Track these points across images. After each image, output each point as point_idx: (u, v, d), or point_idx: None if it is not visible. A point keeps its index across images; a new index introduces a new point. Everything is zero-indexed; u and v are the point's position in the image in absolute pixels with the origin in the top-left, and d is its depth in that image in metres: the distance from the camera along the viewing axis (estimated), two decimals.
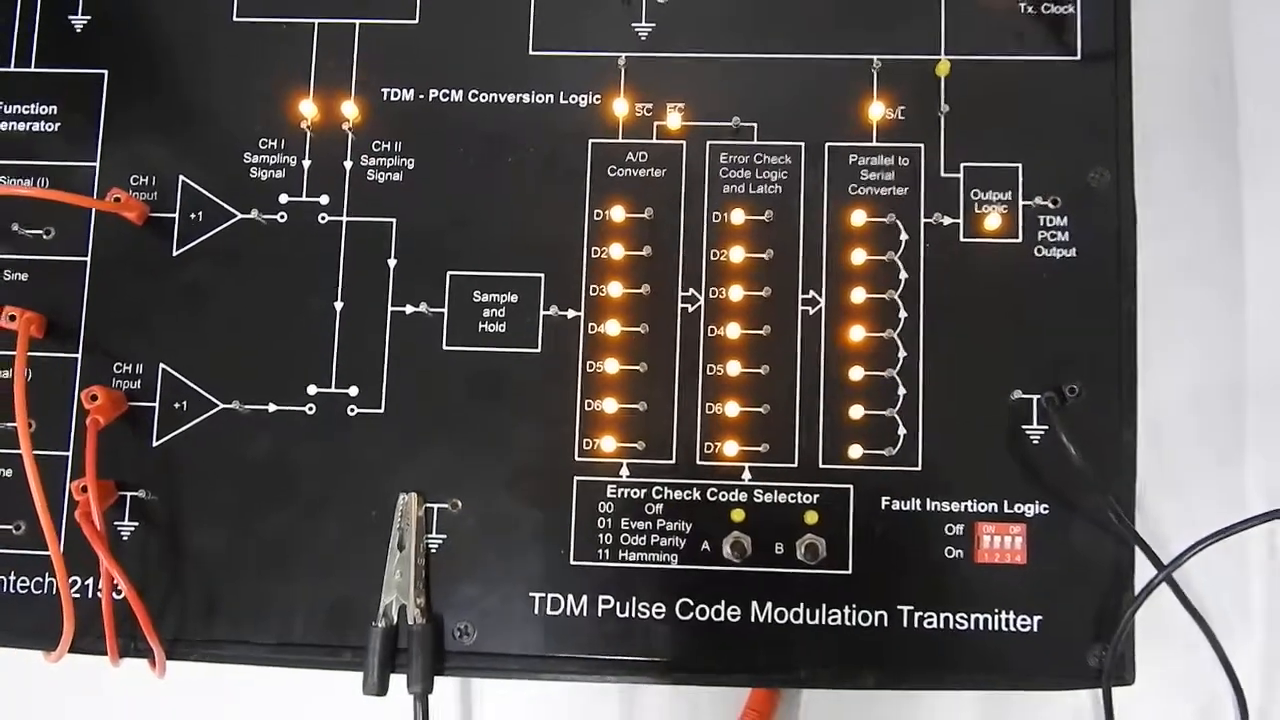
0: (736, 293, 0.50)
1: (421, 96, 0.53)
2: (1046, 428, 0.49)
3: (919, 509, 0.49)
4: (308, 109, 0.52)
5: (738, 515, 0.50)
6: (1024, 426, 0.49)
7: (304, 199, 0.52)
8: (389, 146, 0.52)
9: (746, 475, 0.50)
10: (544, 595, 0.50)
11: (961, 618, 0.49)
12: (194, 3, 0.54)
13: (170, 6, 0.54)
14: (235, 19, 0.53)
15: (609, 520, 0.50)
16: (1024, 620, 0.49)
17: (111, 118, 0.53)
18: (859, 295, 0.50)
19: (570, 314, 0.51)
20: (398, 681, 0.49)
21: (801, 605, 0.49)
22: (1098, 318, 0.49)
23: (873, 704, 0.53)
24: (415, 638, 0.49)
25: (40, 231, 0.52)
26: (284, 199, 0.52)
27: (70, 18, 0.54)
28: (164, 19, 0.54)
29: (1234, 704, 0.51)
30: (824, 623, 0.49)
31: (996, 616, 0.49)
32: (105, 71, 0.53)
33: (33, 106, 0.53)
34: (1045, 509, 0.49)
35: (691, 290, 0.51)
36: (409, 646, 0.49)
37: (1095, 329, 0.49)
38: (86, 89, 0.53)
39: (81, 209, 0.52)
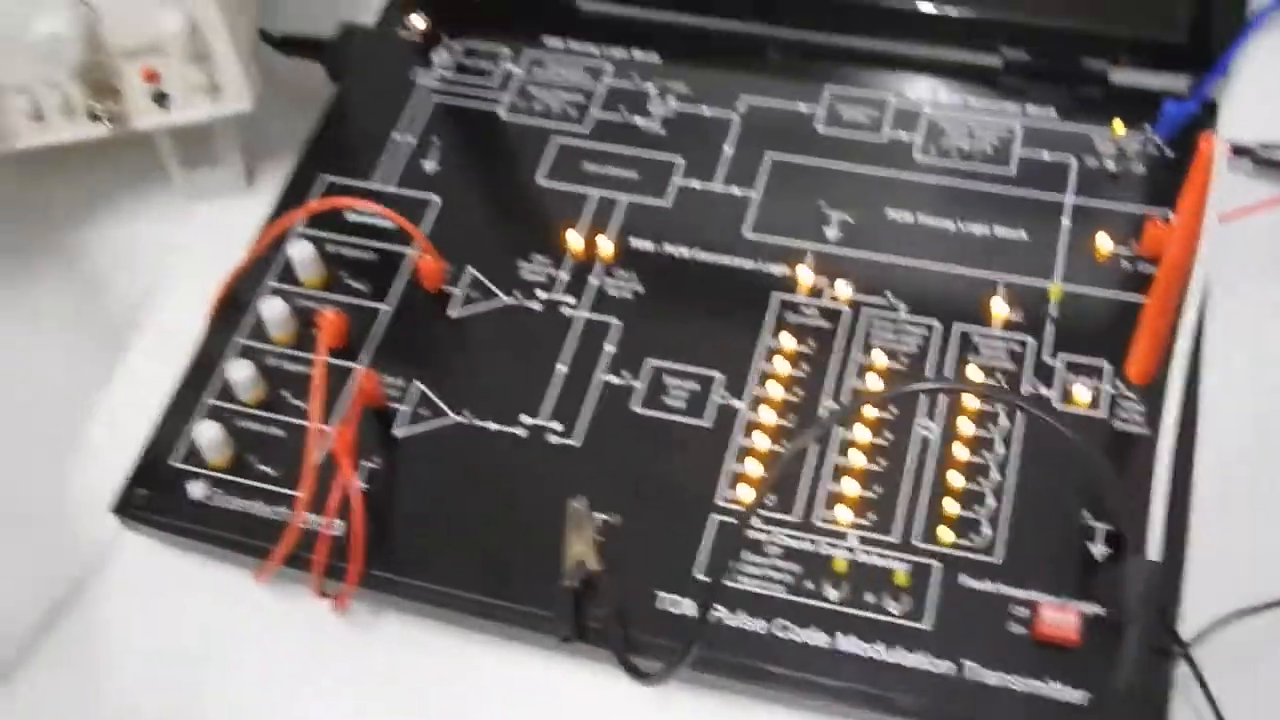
0: (870, 411, 0.64)
1: (659, 248, 0.71)
2: (1110, 549, 0.59)
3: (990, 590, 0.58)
4: (574, 240, 0.71)
5: (840, 566, 0.60)
6: (1088, 543, 0.59)
7: (557, 297, 0.70)
8: (626, 275, 0.70)
9: (854, 539, 0.60)
10: (667, 595, 0.60)
11: (1016, 677, 0.56)
12: (510, 169, 0.76)
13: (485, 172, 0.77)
14: (538, 181, 0.75)
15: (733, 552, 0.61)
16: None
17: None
18: (967, 428, 0.63)
19: (736, 403, 0.65)
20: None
21: (881, 645, 0.57)
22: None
23: None
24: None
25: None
26: (541, 295, 0.70)
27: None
28: (480, 182, 0.76)
29: None
30: (899, 663, 0.57)
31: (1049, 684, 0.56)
32: (440, 199, 0.75)
33: None
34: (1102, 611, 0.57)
35: (832, 402, 0.65)
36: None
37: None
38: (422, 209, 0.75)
39: (396, 272, 0.71)
